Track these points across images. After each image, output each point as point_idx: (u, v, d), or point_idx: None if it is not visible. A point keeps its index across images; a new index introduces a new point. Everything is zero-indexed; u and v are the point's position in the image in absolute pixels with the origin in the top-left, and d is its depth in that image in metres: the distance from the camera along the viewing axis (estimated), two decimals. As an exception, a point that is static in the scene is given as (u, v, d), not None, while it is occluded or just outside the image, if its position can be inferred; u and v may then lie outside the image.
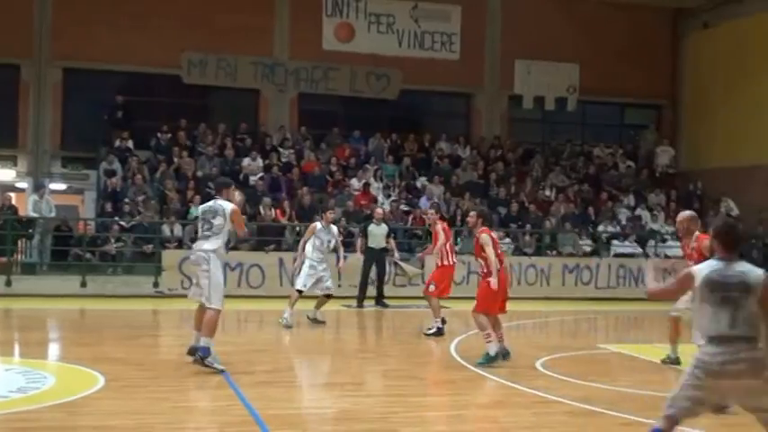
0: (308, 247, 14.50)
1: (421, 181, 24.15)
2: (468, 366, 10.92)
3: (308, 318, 14.66)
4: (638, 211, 24.68)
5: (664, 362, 11.17)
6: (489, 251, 10.69)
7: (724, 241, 5.63)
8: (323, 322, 14.68)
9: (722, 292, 5.43)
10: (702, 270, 5.55)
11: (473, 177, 24.71)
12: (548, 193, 24.73)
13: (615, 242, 23.21)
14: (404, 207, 22.69)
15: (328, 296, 14.58)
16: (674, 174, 27.34)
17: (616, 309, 19.47)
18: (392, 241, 17.94)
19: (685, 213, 10.57)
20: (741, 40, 25.48)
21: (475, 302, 10.81)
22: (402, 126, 26.41)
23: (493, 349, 10.63)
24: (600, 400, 8.84)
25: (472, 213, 11.33)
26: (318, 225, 14.69)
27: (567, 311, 18.21)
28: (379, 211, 18.46)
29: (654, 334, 14.24)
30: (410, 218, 22.20)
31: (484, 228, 10.98)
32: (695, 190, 26.25)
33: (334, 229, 15.08)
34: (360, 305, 17.77)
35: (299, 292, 14.33)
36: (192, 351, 9.86)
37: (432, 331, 13.58)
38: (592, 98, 27.67)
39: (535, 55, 26.93)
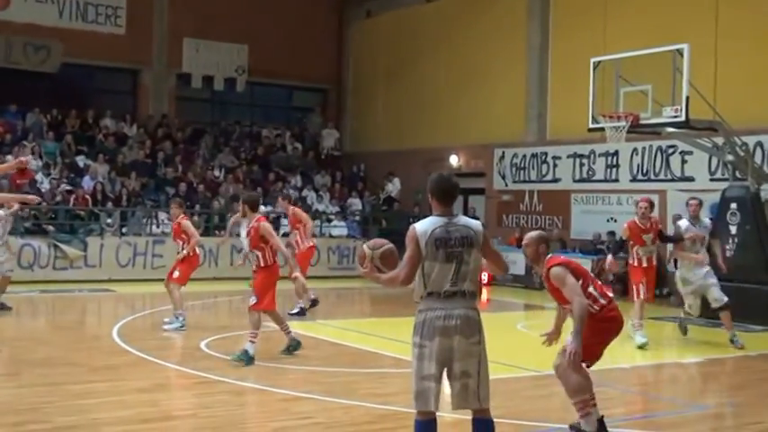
0: None
1: (84, 159, 23.16)
2: (131, 350, 10.70)
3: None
4: (305, 192, 25.35)
5: None
6: (274, 241, 10.27)
7: (439, 197, 5.62)
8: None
9: (448, 248, 5.46)
10: (426, 227, 5.49)
11: (140, 156, 24.09)
12: (216, 173, 24.72)
13: (283, 222, 23.66)
14: (66, 186, 21.64)
15: None
16: (339, 156, 28.39)
17: (285, 288, 19.84)
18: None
19: (532, 235, 7.06)
20: (401, 30, 26.93)
21: (254, 299, 10.07)
22: (64, 101, 25.13)
23: (253, 349, 9.92)
24: (261, 378, 9.03)
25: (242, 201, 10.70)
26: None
27: (235, 291, 18.29)
28: None
29: (317, 312, 14.72)
30: (72, 198, 21.19)
31: (260, 216, 10.50)
32: (359, 172, 27.44)
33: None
34: None
35: None
36: None
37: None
38: (260, 80, 27.98)
39: (204, 34, 26.72)
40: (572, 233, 21.35)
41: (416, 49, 26.17)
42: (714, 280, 12.04)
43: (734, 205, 15.44)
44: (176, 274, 12.72)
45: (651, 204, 12.58)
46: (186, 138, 26.15)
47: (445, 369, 5.52)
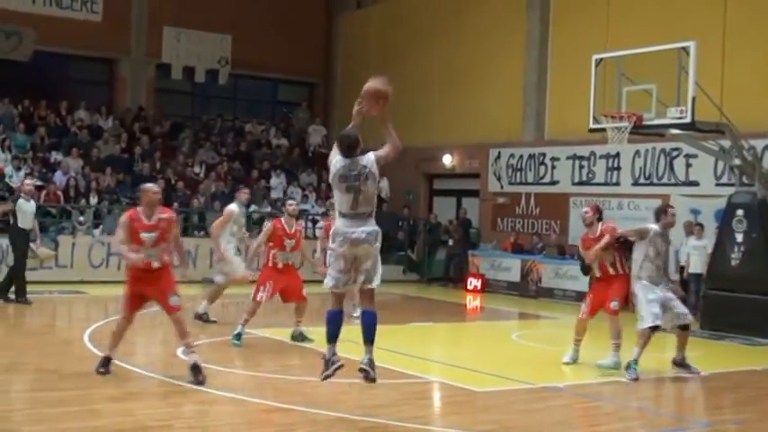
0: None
1: (55, 155, 23.07)
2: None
3: None
4: (290, 190, 25.33)
5: None
6: None
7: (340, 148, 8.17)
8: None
9: (347, 182, 7.93)
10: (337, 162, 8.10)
11: (116, 151, 24.05)
12: (197, 170, 24.67)
13: (266, 223, 23.62)
14: (37, 182, 21.53)
15: None
16: (326, 153, 28.29)
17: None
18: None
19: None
20: (393, 22, 26.95)
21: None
22: (36, 91, 25.06)
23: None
24: (241, 387, 9.01)
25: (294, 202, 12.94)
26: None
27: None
28: (27, 183, 16.76)
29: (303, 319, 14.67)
30: (43, 194, 21.10)
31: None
32: (346, 171, 27.37)
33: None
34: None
35: None
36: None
37: None
38: (244, 72, 27.98)
39: (185, 22, 26.69)
40: (570, 239, 21.35)
41: (409, 42, 26.16)
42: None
43: (740, 212, 15.49)
44: None
45: (596, 211, 11.04)
46: (165, 132, 26.11)
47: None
